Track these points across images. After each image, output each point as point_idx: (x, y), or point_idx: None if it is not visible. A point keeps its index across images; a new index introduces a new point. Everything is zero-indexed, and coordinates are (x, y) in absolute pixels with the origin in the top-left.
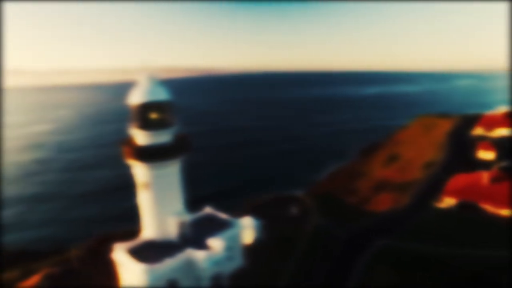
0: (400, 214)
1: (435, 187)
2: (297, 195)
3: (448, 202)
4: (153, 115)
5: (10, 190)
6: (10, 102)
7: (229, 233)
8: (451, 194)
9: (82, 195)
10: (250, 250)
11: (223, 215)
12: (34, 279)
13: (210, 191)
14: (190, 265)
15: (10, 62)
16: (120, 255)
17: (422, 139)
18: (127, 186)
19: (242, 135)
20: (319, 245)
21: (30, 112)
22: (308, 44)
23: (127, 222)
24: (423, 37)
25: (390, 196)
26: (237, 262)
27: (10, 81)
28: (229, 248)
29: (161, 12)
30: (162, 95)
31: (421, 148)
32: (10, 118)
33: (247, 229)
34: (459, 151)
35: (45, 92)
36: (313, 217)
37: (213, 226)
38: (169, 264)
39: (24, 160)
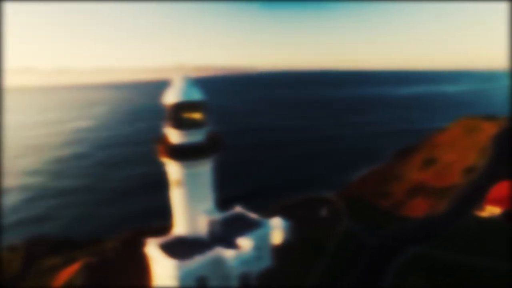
0: (436, 220)
1: (476, 194)
2: (328, 196)
3: (491, 210)
4: (187, 115)
5: (52, 183)
6: (50, 100)
7: (258, 233)
8: (495, 202)
9: (117, 190)
10: (279, 251)
11: (252, 215)
12: (75, 267)
13: (240, 190)
14: (219, 263)
15: (53, 62)
16: (152, 249)
17: (464, 142)
18: (161, 183)
19: (273, 135)
20: (349, 248)
21: (69, 109)
22: (345, 44)
23: (160, 218)
24: (468, 35)
25: (425, 201)
26: (266, 262)
27: (52, 80)
28: (258, 248)
29: (194, 11)
30: (196, 95)
31: (461, 152)
32: (50, 115)
33: (276, 230)
34: (505, 157)
35: (83, 91)
36: (343, 220)
37: (243, 226)
38: (198, 261)
39: (63, 155)
